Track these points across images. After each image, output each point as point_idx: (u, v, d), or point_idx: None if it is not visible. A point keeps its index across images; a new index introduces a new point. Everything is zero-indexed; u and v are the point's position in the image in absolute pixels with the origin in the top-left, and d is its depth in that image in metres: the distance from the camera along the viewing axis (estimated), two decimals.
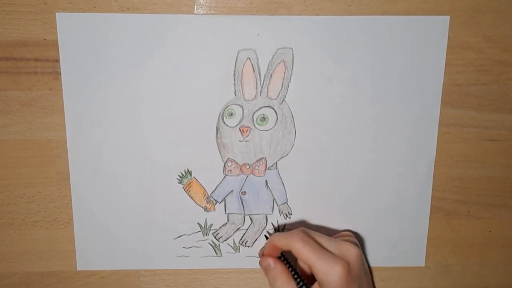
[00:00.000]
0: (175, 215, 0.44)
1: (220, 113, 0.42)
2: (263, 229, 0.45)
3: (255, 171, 0.44)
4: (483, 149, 0.44)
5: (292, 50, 0.41)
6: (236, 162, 0.43)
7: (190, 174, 0.43)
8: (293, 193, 0.44)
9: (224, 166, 0.43)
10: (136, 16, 0.40)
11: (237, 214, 0.45)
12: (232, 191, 0.44)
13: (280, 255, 0.40)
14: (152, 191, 0.44)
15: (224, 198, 0.44)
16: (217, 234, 0.45)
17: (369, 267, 0.46)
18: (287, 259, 0.39)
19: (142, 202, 0.44)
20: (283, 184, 0.44)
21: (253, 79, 0.41)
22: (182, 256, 0.46)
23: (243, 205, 0.45)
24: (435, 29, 0.41)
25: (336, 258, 0.36)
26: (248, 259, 0.46)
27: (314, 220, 0.45)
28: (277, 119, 0.42)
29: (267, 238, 0.41)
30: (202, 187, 0.44)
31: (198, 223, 0.45)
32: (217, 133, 0.42)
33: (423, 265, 0.47)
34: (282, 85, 0.42)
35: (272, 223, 0.45)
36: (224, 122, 0.42)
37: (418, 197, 0.45)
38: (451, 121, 0.43)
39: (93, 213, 0.44)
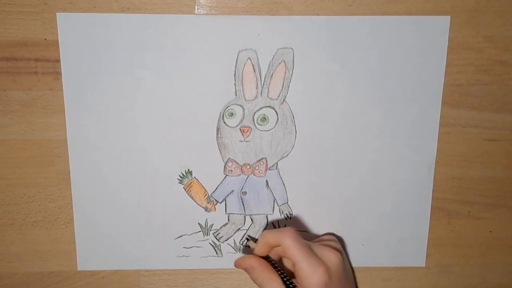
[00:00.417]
0: (175, 215, 0.44)
1: (220, 113, 0.42)
2: (264, 229, 0.45)
3: (256, 171, 0.44)
4: (483, 149, 0.44)
5: (293, 50, 0.41)
6: (237, 162, 0.43)
7: (191, 174, 0.43)
8: (293, 193, 0.44)
9: (224, 166, 0.43)
10: (137, 16, 0.40)
11: (238, 214, 0.45)
12: (232, 191, 0.44)
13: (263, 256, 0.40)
14: (153, 191, 0.44)
15: (225, 198, 0.44)
16: (217, 234, 0.45)
17: (352, 271, 0.46)
18: (269, 257, 0.39)
19: (143, 202, 0.44)
20: (283, 184, 0.44)
21: (254, 79, 0.41)
22: (183, 256, 0.46)
23: (243, 205, 0.45)
24: (435, 29, 0.41)
25: (320, 262, 0.36)
26: None
27: (314, 220, 0.45)
28: (277, 119, 0.42)
29: (248, 240, 0.42)
30: (203, 187, 0.44)
31: (199, 223, 0.45)
32: (217, 133, 0.42)
33: (424, 265, 0.47)
34: (283, 85, 0.41)
35: (272, 223, 0.45)
36: (224, 122, 0.42)
37: (418, 197, 0.45)
38: (452, 121, 0.43)
39: (93, 213, 0.44)
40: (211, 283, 0.47)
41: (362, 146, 0.43)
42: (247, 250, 0.46)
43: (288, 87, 0.42)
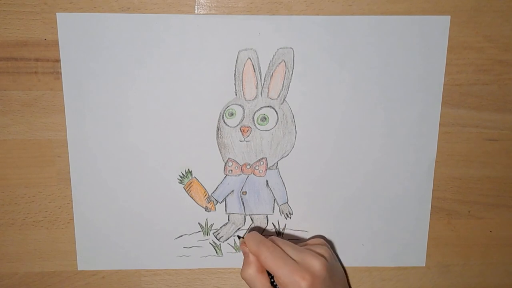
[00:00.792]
0: (175, 215, 0.44)
1: (220, 113, 0.42)
2: (264, 229, 0.45)
3: (256, 171, 0.44)
4: (483, 149, 0.44)
5: (293, 50, 0.41)
6: (237, 162, 0.43)
7: (191, 174, 0.43)
8: (293, 193, 0.44)
9: (224, 166, 0.43)
10: (137, 16, 0.40)
11: (238, 214, 0.45)
12: (232, 191, 0.44)
13: None
14: (153, 191, 0.44)
15: (225, 198, 0.44)
16: (217, 234, 0.45)
17: (346, 273, 0.46)
18: None
19: (143, 202, 0.44)
20: (283, 184, 0.44)
21: (254, 79, 0.41)
22: (183, 256, 0.46)
23: (243, 205, 0.45)
24: (435, 29, 0.41)
25: (298, 270, 0.36)
26: None
27: (314, 220, 0.45)
28: (277, 119, 0.42)
29: (239, 238, 0.42)
30: (203, 187, 0.44)
31: (199, 223, 0.45)
32: (217, 133, 0.42)
33: (424, 265, 0.47)
34: (283, 85, 0.42)
35: (272, 223, 0.45)
36: (224, 122, 0.42)
37: (418, 197, 0.45)
38: (452, 121, 0.43)
39: (93, 213, 0.44)
40: (212, 283, 0.47)
41: (362, 146, 0.43)
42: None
43: (288, 87, 0.42)
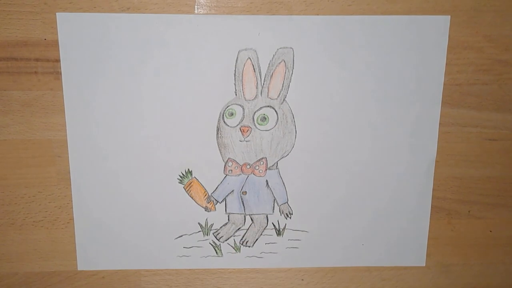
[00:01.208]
0: (175, 215, 0.44)
1: (220, 113, 0.42)
2: (264, 229, 0.45)
3: (256, 171, 0.44)
4: (483, 148, 0.44)
5: (293, 50, 0.41)
6: (237, 162, 0.43)
7: (191, 174, 0.43)
8: (293, 193, 0.44)
9: (224, 166, 0.43)
10: (137, 16, 0.40)
11: (238, 214, 0.45)
12: (232, 191, 0.44)
13: None
14: (153, 191, 0.44)
15: (225, 198, 0.44)
16: (217, 234, 0.45)
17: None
18: None
19: (143, 202, 0.44)
20: (283, 184, 0.44)
21: (254, 79, 0.41)
22: (183, 256, 0.46)
23: (243, 205, 0.45)
24: (435, 29, 0.41)
25: None
26: (249, 259, 0.46)
27: (314, 220, 0.45)
28: (277, 119, 0.42)
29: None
30: (203, 187, 0.44)
31: (199, 223, 0.45)
32: (217, 133, 0.42)
33: (424, 265, 0.47)
34: (283, 84, 0.42)
35: (272, 223, 0.45)
36: (224, 122, 0.42)
37: (418, 197, 0.45)
38: (452, 120, 0.43)
39: (93, 213, 0.44)
40: (212, 283, 0.47)
41: (362, 146, 0.43)
42: (245, 248, 0.46)
43: (288, 86, 0.42)
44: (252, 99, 0.42)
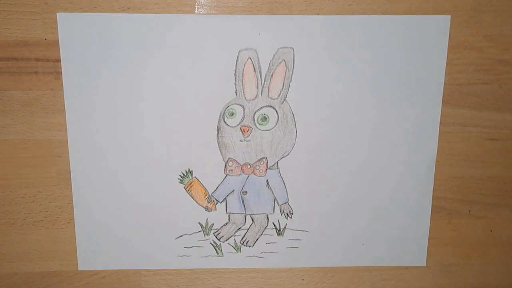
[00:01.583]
0: (176, 215, 0.44)
1: (221, 112, 0.42)
2: (264, 229, 0.45)
3: (256, 170, 0.44)
4: (484, 148, 0.44)
5: (293, 50, 0.41)
6: (237, 162, 0.43)
7: (191, 174, 0.43)
8: (294, 193, 0.44)
9: (225, 165, 0.43)
10: (137, 16, 0.40)
11: (238, 213, 0.45)
12: (233, 190, 0.44)
13: None
14: (153, 191, 0.44)
15: (225, 198, 0.44)
16: (218, 234, 0.45)
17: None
18: None
19: (143, 202, 0.44)
20: (284, 183, 0.44)
21: (254, 79, 0.41)
22: (183, 255, 0.46)
23: (244, 204, 0.45)
24: (436, 29, 0.41)
25: None
26: (249, 259, 0.46)
27: (315, 220, 0.45)
28: (278, 118, 0.42)
29: None
30: (203, 186, 0.44)
31: (199, 223, 0.45)
32: (218, 133, 0.42)
33: (424, 264, 0.47)
34: (283, 84, 0.42)
35: (273, 223, 0.45)
36: (225, 122, 0.42)
37: (419, 197, 0.45)
38: (452, 120, 0.43)
39: (94, 213, 0.44)
40: (212, 283, 0.47)
41: (362, 146, 0.43)
42: (246, 248, 0.46)
43: (289, 86, 0.42)
44: (253, 99, 0.42)
